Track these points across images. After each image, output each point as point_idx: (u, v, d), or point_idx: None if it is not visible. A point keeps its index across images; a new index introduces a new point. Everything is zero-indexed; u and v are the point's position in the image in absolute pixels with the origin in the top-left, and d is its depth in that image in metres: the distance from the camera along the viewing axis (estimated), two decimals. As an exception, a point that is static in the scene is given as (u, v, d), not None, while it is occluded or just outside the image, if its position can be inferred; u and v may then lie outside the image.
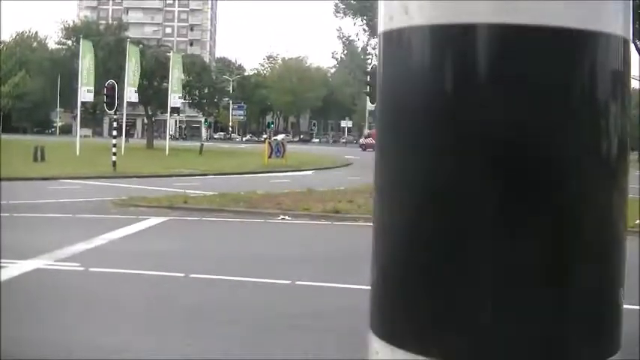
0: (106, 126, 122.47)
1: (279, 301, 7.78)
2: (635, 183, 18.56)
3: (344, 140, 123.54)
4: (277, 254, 11.02)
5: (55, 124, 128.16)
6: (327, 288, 8.39)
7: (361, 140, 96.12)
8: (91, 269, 9.13)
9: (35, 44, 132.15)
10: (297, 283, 8.57)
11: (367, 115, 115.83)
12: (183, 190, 19.52)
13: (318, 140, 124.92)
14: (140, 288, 8.35)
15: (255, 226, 14.36)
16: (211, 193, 19.05)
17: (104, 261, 9.76)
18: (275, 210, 15.65)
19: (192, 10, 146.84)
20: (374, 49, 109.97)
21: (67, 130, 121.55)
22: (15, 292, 7.95)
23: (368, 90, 23.30)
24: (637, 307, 7.36)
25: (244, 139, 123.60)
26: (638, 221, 13.96)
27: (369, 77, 22.67)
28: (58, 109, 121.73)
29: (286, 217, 15.02)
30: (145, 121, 79.81)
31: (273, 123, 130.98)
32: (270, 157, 36.53)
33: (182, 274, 8.84)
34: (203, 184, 24.36)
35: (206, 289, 8.30)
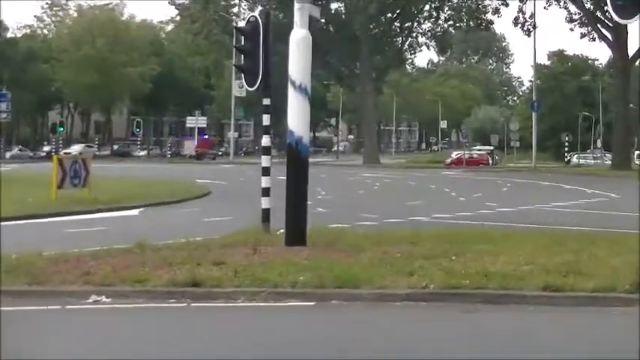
0: None
1: None
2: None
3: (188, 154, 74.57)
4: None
5: None
6: None
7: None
8: None
9: None
10: None
11: (233, 105, 69.45)
12: None
13: (145, 153, 79.95)
14: None
15: (43, 321, 7.81)
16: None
17: None
18: (80, 286, 9.08)
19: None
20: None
21: None
22: None
23: (239, 63, 15.37)
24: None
25: (9, 154, 69.78)
26: (627, 286, 9.69)
27: (243, 38, 13.38)
28: None
29: (102, 299, 8.66)
30: None
31: (63, 125, 71.16)
32: (61, 186, 23.93)
33: None
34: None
35: None
